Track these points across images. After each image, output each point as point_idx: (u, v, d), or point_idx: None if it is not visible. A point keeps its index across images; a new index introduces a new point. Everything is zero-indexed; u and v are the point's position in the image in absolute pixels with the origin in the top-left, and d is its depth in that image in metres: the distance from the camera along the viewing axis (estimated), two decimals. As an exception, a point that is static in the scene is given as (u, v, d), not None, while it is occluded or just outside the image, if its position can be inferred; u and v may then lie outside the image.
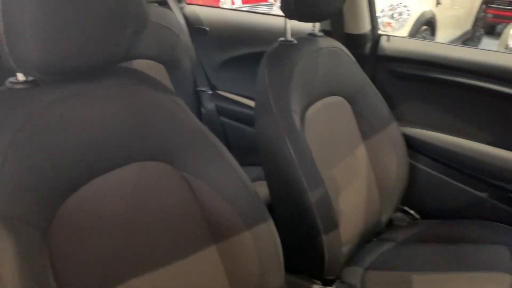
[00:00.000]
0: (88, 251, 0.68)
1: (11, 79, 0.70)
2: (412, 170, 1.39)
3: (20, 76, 0.69)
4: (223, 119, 1.82)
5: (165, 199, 0.79)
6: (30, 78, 0.69)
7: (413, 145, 1.41)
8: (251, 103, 1.78)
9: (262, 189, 1.09)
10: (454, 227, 1.32)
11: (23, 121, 0.64)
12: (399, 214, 1.44)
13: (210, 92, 1.82)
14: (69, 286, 0.64)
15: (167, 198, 0.79)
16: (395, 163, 1.33)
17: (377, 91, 1.32)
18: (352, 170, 1.25)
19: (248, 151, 1.50)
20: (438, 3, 4.64)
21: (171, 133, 0.80)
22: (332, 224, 1.05)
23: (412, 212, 1.44)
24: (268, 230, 0.85)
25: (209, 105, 1.83)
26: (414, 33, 4.23)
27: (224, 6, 5.98)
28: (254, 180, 1.08)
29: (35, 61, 0.63)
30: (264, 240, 0.85)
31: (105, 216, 0.71)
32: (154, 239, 0.77)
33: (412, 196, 1.41)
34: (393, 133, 1.33)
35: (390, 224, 1.42)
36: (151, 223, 0.77)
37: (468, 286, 1.06)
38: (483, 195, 1.35)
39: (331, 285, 1.11)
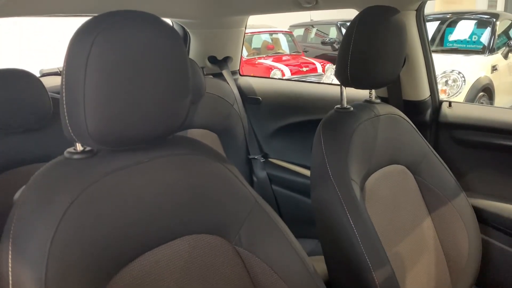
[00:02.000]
0: None
1: (70, 149, 0.70)
2: (485, 246, 1.25)
3: (79, 146, 0.69)
4: (275, 187, 1.78)
5: (216, 273, 0.74)
6: (88, 148, 0.69)
7: (485, 219, 1.28)
8: (304, 171, 1.73)
9: (319, 264, 1.01)
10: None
11: (77, 193, 0.63)
12: (475, 297, 1.28)
13: (262, 160, 1.80)
14: None
15: (220, 274, 0.74)
16: (466, 238, 1.20)
17: (441, 160, 1.23)
18: (419, 246, 1.14)
19: (301, 221, 1.43)
20: (494, 69, 4.53)
21: (226, 205, 0.76)
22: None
23: (491, 294, 1.28)
24: None
25: (261, 173, 1.80)
26: (471, 100, 4.11)
27: (275, 77, 6.21)
28: (309, 254, 1.00)
29: (93, 132, 0.63)
30: None
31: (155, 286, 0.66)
32: None
33: (488, 276, 1.26)
34: (462, 205, 1.22)
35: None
36: None
37: None
38: None
39: None
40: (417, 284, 1.07)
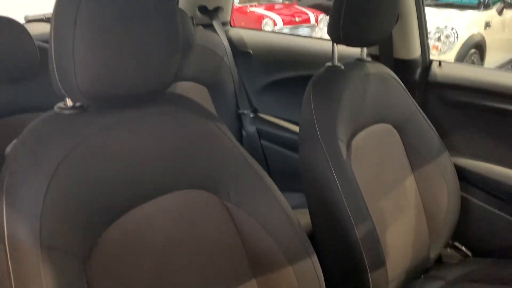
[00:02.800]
0: (127, 280, 0.67)
1: (60, 104, 0.70)
2: (464, 203, 1.31)
3: (68, 102, 0.69)
4: (264, 142, 1.80)
5: (206, 228, 0.77)
6: (78, 104, 0.69)
7: (465, 177, 1.33)
8: (293, 127, 1.75)
9: (303, 217, 1.04)
10: (510, 267, 1.22)
11: (68, 149, 0.64)
12: (449, 251, 1.35)
13: (252, 115, 1.80)
14: None
15: (209, 228, 0.77)
16: (446, 196, 1.25)
17: (427, 120, 1.25)
18: (400, 203, 1.19)
19: (288, 176, 1.46)
20: (487, 25, 4.49)
21: (215, 162, 0.78)
22: (379, 261, 0.99)
23: (463, 248, 1.35)
24: (311, 266, 0.81)
25: (251, 128, 1.81)
26: (462, 56, 4.10)
27: (266, 27, 6.07)
28: (294, 207, 1.04)
29: (82, 87, 0.63)
30: (307, 276, 0.80)
31: (145, 245, 0.69)
32: (195, 269, 0.74)
33: (464, 231, 1.32)
34: (444, 164, 1.26)
35: (439, 260, 1.33)
36: (191, 253, 0.74)
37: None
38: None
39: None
40: (396, 239, 1.13)
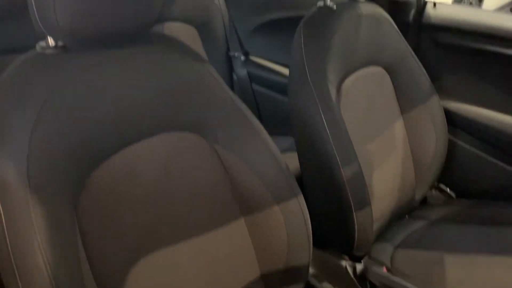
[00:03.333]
0: (117, 222, 0.68)
1: (42, 43, 0.68)
2: (451, 146, 1.33)
3: (50, 41, 0.67)
4: (255, 86, 1.78)
5: (195, 170, 0.77)
6: (60, 44, 0.67)
7: (453, 121, 1.34)
8: (286, 70, 1.73)
9: (292, 161, 1.06)
10: (492, 207, 1.26)
11: (52, 89, 0.63)
12: (434, 192, 1.39)
13: (243, 58, 1.77)
14: (99, 256, 0.64)
15: (197, 170, 0.78)
16: (434, 139, 1.27)
17: (419, 63, 1.24)
18: (388, 145, 1.20)
19: (279, 120, 1.46)
20: (488, -35, 4.33)
21: (203, 104, 0.77)
22: (364, 201, 1.02)
23: (448, 190, 1.39)
24: (298, 206, 0.83)
25: (241, 71, 1.79)
26: (460, -2, 3.98)
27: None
28: (284, 151, 1.05)
29: (63, 24, 0.61)
30: (294, 215, 0.83)
31: (134, 186, 0.70)
32: (183, 210, 0.76)
33: (449, 174, 1.35)
34: (433, 108, 1.27)
35: (424, 202, 1.38)
36: (180, 194, 0.76)
37: (508, 273, 1.02)
38: (526, 175, 1.28)
39: (359, 261, 1.09)
40: (383, 181, 1.15)
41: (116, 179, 0.68)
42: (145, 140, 0.71)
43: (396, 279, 0.93)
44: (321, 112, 0.97)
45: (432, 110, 1.26)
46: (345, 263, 1.03)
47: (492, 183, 1.33)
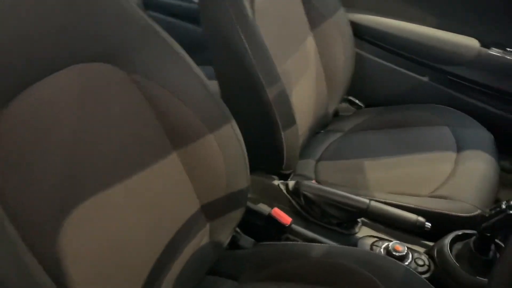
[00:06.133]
0: (36, 169, 0.58)
1: None
2: (357, 58, 1.37)
3: None
4: (152, 14, 1.63)
5: (114, 105, 0.68)
6: None
7: (358, 32, 1.37)
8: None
9: (213, 89, 1.01)
10: (398, 112, 1.36)
11: None
12: (344, 105, 1.44)
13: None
14: (21, 213, 0.55)
15: (116, 104, 0.69)
16: (342, 52, 1.29)
17: None
18: (303, 61, 1.20)
19: (191, 50, 1.37)
20: None
21: (116, 29, 0.67)
22: (291, 119, 1.02)
23: (357, 101, 1.45)
24: (232, 130, 0.80)
25: (133, -2, 1.61)
26: None
27: None
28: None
29: None
30: (228, 141, 0.79)
31: (51, 127, 0.60)
32: (108, 150, 0.67)
33: (357, 85, 1.41)
34: (341, 21, 1.28)
35: (336, 115, 1.43)
36: (102, 133, 0.67)
37: (419, 167, 1.12)
38: (424, 78, 1.38)
39: (287, 179, 1.11)
40: (302, 98, 1.16)
41: (27, 122, 0.57)
42: (54, 74, 0.60)
43: (328, 188, 0.97)
44: (241, 33, 0.91)
45: (340, 23, 1.27)
46: (277, 182, 1.04)
47: (396, 89, 1.43)
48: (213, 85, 1.04)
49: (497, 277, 0.54)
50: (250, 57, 0.92)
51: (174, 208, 0.77)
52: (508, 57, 1.27)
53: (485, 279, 0.79)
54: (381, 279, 0.77)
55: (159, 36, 0.72)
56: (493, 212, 0.75)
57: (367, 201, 0.92)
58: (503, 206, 0.73)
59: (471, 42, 1.29)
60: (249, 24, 0.92)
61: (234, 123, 0.80)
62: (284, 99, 0.99)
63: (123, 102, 0.70)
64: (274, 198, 1.02)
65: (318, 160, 1.24)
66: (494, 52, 1.27)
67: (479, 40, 1.29)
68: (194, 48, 1.01)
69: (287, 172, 1.11)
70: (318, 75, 1.26)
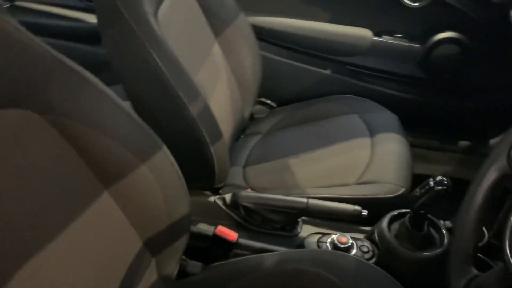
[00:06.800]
0: None
1: None
2: (263, 60, 1.39)
3: None
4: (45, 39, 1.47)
5: (33, 153, 0.60)
6: None
7: (260, 34, 1.39)
8: (65, 11, 1.48)
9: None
10: (309, 107, 1.41)
11: None
12: (257, 107, 1.46)
13: (7, 5, 1.42)
14: None
15: (36, 152, 0.60)
16: (249, 56, 1.30)
17: None
18: (214, 71, 1.18)
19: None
20: None
21: (21, 69, 0.58)
22: (217, 133, 0.99)
23: (268, 102, 1.47)
24: (165, 156, 0.75)
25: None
26: None
27: None
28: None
29: None
30: (163, 168, 0.75)
31: None
32: (33, 204, 0.59)
33: (266, 86, 1.42)
34: (243, 25, 1.28)
35: (251, 118, 1.44)
36: (23, 186, 0.58)
37: (341, 157, 1.17)
38: (327, 71, 1.45)
39: (219, 192, 1.09)
40: (218, 107, 1.13)
41: None
42: None
43: (265, 195, 0.96)
44: (151, 51, 0.86)
45: (242, 28, 1.27)
46: (213, 199, 1.01)
47: (303, 85, 1.48)
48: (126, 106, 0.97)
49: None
50: (165, 74, 0.87)
51: (117, 251, 0.71)
52: (397, 42, 1.38)
53: (425, 252, 0.85)
54: (335, 275, 0.79)
55: (69, 68, 0.65)
56: (423, 190, 0.81)
57: (305, 200, 0.93)
58: (431, 184, 0.80)
59: (365, 33, 1.38)
60: (158, 41, 0.88)
61: (165, 148, 0.75)
62: (208, 113, 0.97)
63: (43, 148, 0.62)
64: (213, 215, 0.99)
65: (244, 167, 1.24)
66: (385, 39, 1.38)
67: (371, 30, 1.38)
68: (96, 70, 0.94)
69: (219, 185, 1.09)
70: (229, 81, 1.25)
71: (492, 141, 1.53)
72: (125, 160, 0.69)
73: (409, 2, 1.30)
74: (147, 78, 0.89)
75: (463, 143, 1.54)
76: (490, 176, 0.59)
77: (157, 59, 0.87)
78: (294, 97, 1.46)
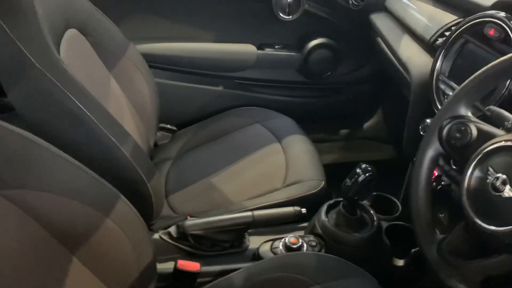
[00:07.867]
0: None
1: None
2: (161, 88, 1.38)
3: None
4: None
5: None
6: None
7: (151, 61, 1.38)
8: None
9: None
10: (211, 125, 1.44)
11: None
12: (160, 134, 1.44)
13: None
14: None
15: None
16: (146, 85, 1.28)
17: (108, 19, 1.17)
18: (117, 106, 1.13)
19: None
20: None
21: None
22: (150, 168, 0.97)
23: (168, 126, 1.46)
24: (124, 203, 0.73)
25: None
26: None
27: None
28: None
29: None
30: (126, 216, 0.72)
31: None
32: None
33: (165, 111, 1.42)
34: (134, 55, 1.25)
35: (156, 146, 1.42)
36: None
37: (259, 166, 1.24)
38: (220, 88, 1.51)
39: (150, 229, 1.07)
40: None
41: None
42: None
43: (210, 218, 0.98)
44: (73, 98, 0.80)
45: (133, 57, 1.25)
46: (157, 235, 0.99)
47: (200, 104, 1.51)
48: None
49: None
50: (91, 120, 0.83)
51: None
52: (278, 52, 1.51)
53: (362, 233, 0.98)
54: (302, 273, 0.86)
55: (18, 136, 0.59)
56: (352, 180, 0.93)
57: (249, 213, 0.98)
58: (360, 172, 0.92)
59: (250, 48, 1.48)
60: (76, 86, 0.83)
61: (123, 197, 0.73)
62: (139, 150, 0.94)
63: (5, 227, 0.55)
64: (161, 252, 0.97)
65: (167, 196, 1.22)
66: (268, 51, 1.50)
67: (254, 44, 1.49)
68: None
69: (155, 221, 1.06)
70: (132, 114, 1.22)
71: (366, 125, 1.78)
72: (86, 217, 0.66)
73: (283, 16, 1.44)
74: (69, 124, 0.83)
75: (343, 131, 1.76)
76: (428, 155, 0.72)
77: (81, 106, 0.82)
78: (194, 118, 1.48)
